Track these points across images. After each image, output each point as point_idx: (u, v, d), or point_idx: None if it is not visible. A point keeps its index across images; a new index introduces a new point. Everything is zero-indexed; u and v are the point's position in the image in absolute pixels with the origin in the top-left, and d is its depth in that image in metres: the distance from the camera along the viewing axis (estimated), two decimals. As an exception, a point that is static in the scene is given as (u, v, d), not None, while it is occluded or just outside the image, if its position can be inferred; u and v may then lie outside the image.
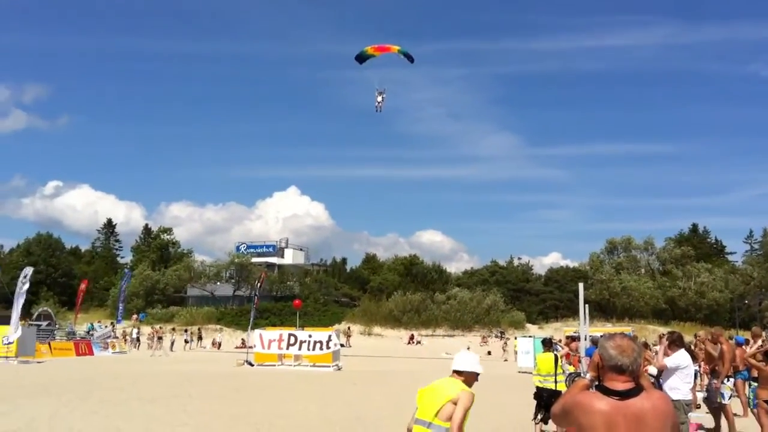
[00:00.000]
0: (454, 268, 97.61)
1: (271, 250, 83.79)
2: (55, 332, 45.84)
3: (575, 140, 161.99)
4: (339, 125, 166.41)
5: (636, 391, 3.67)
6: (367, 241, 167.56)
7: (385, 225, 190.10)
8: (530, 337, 37.29)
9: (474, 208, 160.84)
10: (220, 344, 55.09)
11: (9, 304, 39.67)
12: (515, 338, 46.37)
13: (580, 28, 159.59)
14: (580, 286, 12.80)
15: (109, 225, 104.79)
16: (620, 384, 3.68)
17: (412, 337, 62.48)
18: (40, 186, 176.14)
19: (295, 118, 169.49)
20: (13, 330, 32.22)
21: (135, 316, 63.46)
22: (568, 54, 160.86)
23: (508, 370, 31.93)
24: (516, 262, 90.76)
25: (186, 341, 53.90)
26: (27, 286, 33.13)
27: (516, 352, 37.20)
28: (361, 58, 29.91)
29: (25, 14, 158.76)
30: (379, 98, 30.10)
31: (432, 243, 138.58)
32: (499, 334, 62.92)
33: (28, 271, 34.12)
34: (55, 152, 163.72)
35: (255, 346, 33.29)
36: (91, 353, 41.82)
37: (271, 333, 33.42)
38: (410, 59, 29.80)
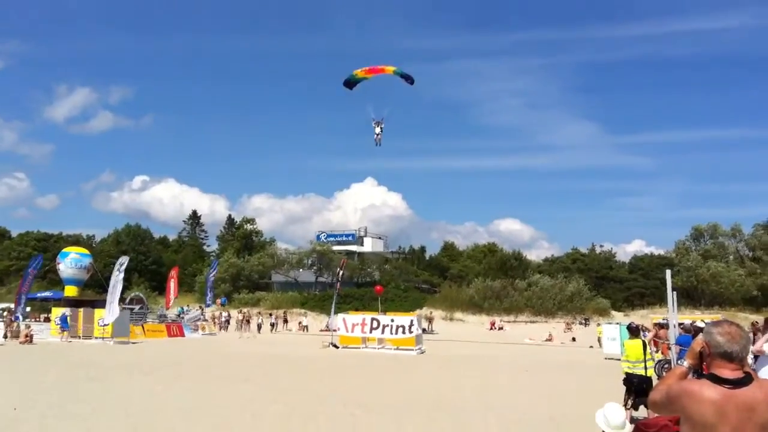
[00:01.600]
0: (534, 256, 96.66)
1: (350, 238, 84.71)
2: (147, 315, 47.58)
3: (657, 127, 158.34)
4: (414, 117, 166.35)
5: (747, 379, 3.52)
6: (445, 229, 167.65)
7: (463, 214, 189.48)
8: (616, 324, 36.69)
9: (553, 196, 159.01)
10: (306, 327, 56.17)
11: (103, 289, 41.47)
12: (598, 325, 45.71)
13: (662, 12, 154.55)
14: (668, 272, 12.59)
15: (195, 216, 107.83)
16: (729, 372, 3.53)
17: (493, 323, 62.28)
18: (127, 181, 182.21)
19: (386, 99, 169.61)
20: (109, 313, 33.72)
21: (218, 301, 65.30)
22: (649, 39, 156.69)
23: (595, 357, 31.58)
24: (598, 250, 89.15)
25: (272, 324, 55.19)
26: (122, 274, 34.57)
27: (600, 339, 36.69)
28: (350, 83, 29.31)
29: (108, 19, 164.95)
30: (378, 129, 29.47)
31: (511, 231, 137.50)
32: (583, 321, 62.09)
33: (124, 260, 35.59)
34: (141, 149, 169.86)
35: (339, 329, 33.88)
36: (182, 335, 43.33)
37: (354, 317, 33.94)
38: (409, 80, 28.90)
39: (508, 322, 63.56)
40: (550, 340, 45.61)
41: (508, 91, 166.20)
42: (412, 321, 32.49)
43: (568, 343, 44.65)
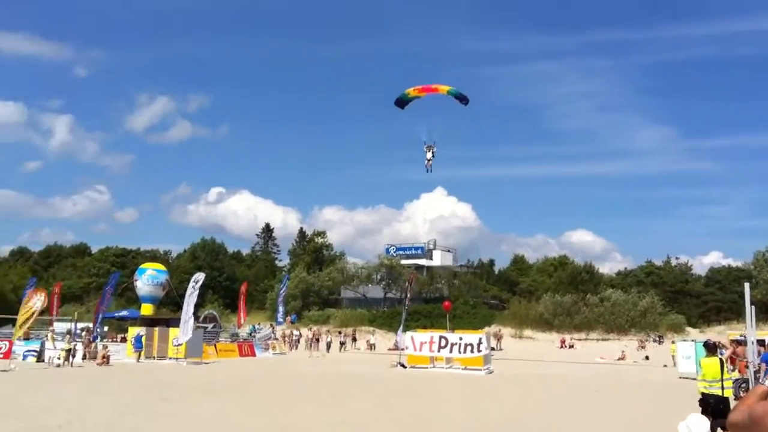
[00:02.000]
0: (606, 269, 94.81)
1: (419, 251, 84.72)
2: (220, 334, 48.51)
3: (734, 131, 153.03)
4: (485, 123, 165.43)
5: None
6: (514, 242, 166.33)
7: (534, 225, 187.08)
8: (691, 341, 35.74)
9: (626, 205, 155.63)
10: (373, 345, 56.40)
11: (177, 306, 42.48)
12: (673, 342, 44.57)
13: (732, 11, 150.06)
14: (746, 286, 12.24)
15: (267, 229, 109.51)
16: None
17: (564, 341, 61.39)
18: (204, 193, 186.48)
19: (440, 118, 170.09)
20: (182, 332, 34.46)
21: (288, 318, 66.09)
22: (722, 39, 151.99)
23: (669, 376, 30.85)
24: (674, 262, 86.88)
25: (341, 343, 55.60)
26: (197, 292, 35.31)
27: (674, 357, 35.79)
28: (402, 101, 28.95)
29: (185, 27, 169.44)
30: (429, 154, 28.93)
31: (582, 243, 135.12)
32: (657, 339, 60.64)
33: (200, 277, 36.27)
34: (218, 159, 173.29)
35: (407, 348, 33.92)
36: (254, 354, 44.04)
37: (422, 335, 33.94)
38: (463, 101, 28.34)
39: (579, 339, 62.56)
40: (622, 358, 44.69)
41: (578, 93, 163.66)
42: (480, 339, 32.33)
43: (641, 361, 43.72)
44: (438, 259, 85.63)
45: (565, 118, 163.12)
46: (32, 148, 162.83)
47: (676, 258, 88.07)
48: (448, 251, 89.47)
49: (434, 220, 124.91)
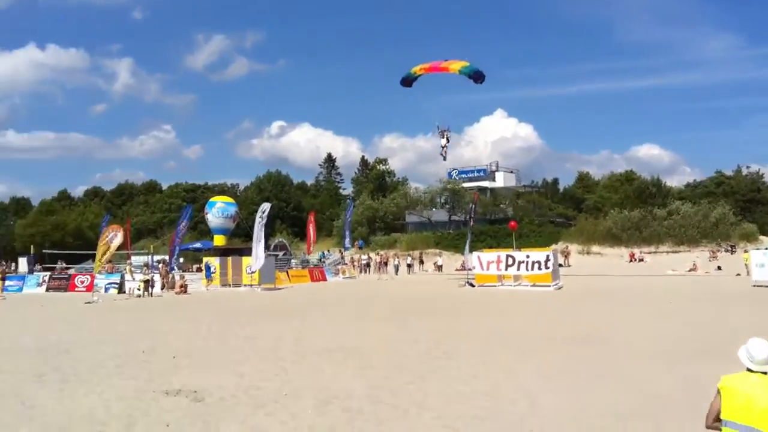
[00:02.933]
0: (674, 182, 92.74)
1: (482, 174, 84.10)
2: (291, 261, 49.59)
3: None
4: (545, 40, 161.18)
5: None
6: (578, 159, 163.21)
7: (598, 142, 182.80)
8: (765, 249, 35.04)
9: (693, 116, 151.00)
10: (441, 267, 56.90)
11: (248, 237, 43.53)
12: (745, 251, 43.76)
13: None
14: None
15: (329, 159, 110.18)
16: None
17: (633, 255, 60.76)
18: (266, 127, 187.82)
19: (497, 37, 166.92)
20: (255, 261, 35.44)
21: (356, 244, 66.99)
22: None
23: (742, 285, 30.48)
24: (744, 171, 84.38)
25: (408, 265, 56.26)
26: (265, 221, 36.09)
27: (747, 266, 35.25)
28: (408, 80, 27.23)
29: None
30: (443, 141, 27.42)
31: (649, 157, 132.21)
32: (729, 248, 59.49)
33: (266, 206, 37.04)
34: (277, 94, 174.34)
35: (475, 267, 34.18)
36: (324, 279, 45.05)
37: (489, 255, 34.10)
38: (478, 80, 26.55)
39: (649, 253, 61.77)
40: (694, 269, 44.12)
41: (642, 5, 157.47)
42: (548, 256, 32.31)
43: (713, 272, 43.13)
44: (501, 181, 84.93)
45: (628, 31, 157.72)
46: (97, 92, 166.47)
47: (747, 167, 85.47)
48: (511, 172, 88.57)
49: (496, 143, 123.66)
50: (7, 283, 37.77)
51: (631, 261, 58.63)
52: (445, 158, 28.05)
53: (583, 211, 78.96)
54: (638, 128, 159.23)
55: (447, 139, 28.57)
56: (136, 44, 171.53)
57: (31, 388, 9.72)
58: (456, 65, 27.38)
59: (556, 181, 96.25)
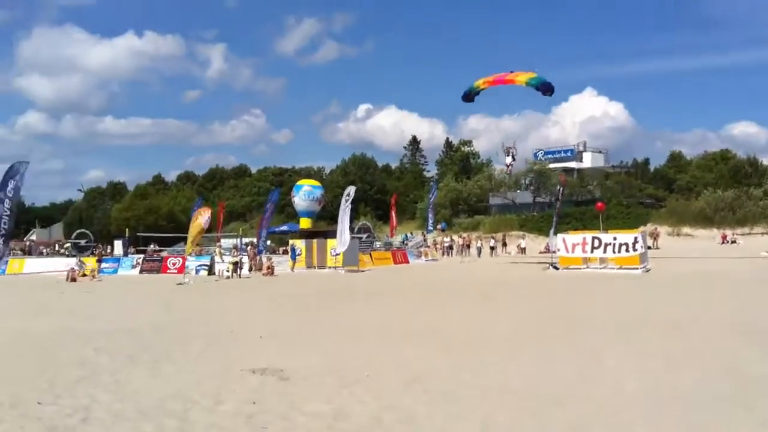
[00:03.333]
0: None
1: (568, 154, 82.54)
2: (374, 243, 49.98)
3: None
4: (635, 15, 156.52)
5: None
6: (670, 138, 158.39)
7: (691, 120, 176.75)
8: None
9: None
10: (524, 249, 56.32)
11: (333, 219, 44.08)
12: None
13: None
14: None
15: (414, 141, 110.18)
16: None
17: (725, 237, 58.64)
18: (352, 110, 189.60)
19: (587, 13, 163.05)
20: (339, 243, 35.91)
21: (438, 226, 66.92)
22: None
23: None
24: None
25: (491, 248, 55.88)
26: (350, 204, 36.49)
27: None
28: (470, 95, 25.99)
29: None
30: (509, 159, 26.32)
31: (746, 135, 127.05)
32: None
33: (351, 189, 37.48)
34: (364, 77, 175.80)
35: (559, 250, 33.68)
36: (407, 261, 45.26)
37: (574, 237, 33.49)
38: (547, 92, 25.26)
39: (742, 234, 59.49)
40: (790, 252, 42.24)
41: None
42: (636, 238, 31.53)
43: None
44: (588, 161, 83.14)
45: (722, 4, 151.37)
46: (192, 79, 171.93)
47: None
48: (599, 152, 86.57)
49: (584, 123, 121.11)
50: (103, 265, 39.37)
51: (723, 243, 56.61)
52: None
53: (674, 192, 76.53)
54: (734, 105, 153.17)
55: (513, 157, 28.02)
56: (229, 30, 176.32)
57: (124, 367, 10.14)
58: (522, 77, 26.58)
59: (646, 161, 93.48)
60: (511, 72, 27.29)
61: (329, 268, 37.30)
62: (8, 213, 25.12)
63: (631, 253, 30.86)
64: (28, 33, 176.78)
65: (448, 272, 34.39)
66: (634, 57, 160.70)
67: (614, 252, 31.24)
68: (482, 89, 26.87)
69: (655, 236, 55.37)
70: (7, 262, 28.26)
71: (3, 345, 12.23)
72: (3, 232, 25.10)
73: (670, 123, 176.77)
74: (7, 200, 25.08)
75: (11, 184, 25.17)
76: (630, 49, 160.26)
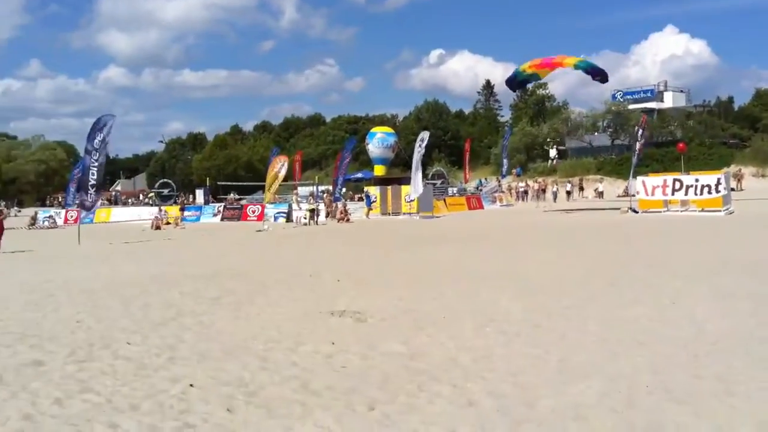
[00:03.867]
0: None
1: (649, 95, 79.99)
2: (449, 189, 49.89)
3: None
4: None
5: None
6: (757, 75, 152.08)
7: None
8: None
9: None
10: (602, 193, 55.32)
11: (407, 166, 44.12)
12: None
13: None
14: None
15: (488, 86, 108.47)
16: None
17: (817, 177, 56.36)
18: (424, 56, 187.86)
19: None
20: (413, 189, 35.95)
21: (513, 171, 66.19)
22: None
23: None
24: None
25: (568, 192, 55.07)
26: (423, 150, 36.36)
27: None
28: (517, 82, 24.61)
29: None
30: (553, 152, 25.06)
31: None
32: None
33: (425, 135, 37.31)
34: (436, 22, 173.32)
35: (639, 193, 32.97)
36: (482, 207, 45.11)
37: (654, 179, 32.72)
38: (596, 75, 23.91)
39: (836, 174, 57.01)
40: None
41: None
42: (719, 179, 30.62)
43: None
44: (669, 101, 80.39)
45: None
46: (265, 29, 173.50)
47: None
48: (681, 92, 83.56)
49: (665, 61, 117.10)
50: (186, 213, 40.56)
51: (813, 184, 54.40)
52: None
53: (759, 131, 73.46)
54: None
55: (558, 151, 27.42)
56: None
57: (209, 308, 10.50)
58: (570, 60, 25.88)
59: (730, 100, 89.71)
60: (558, 55, 26.72)
61: (404, 214, 37.48)
62: (96, 164, 25.97)
63: (714, 195, 30.05)
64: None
65: (524, 217, 34.11)
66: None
67: (696, 194, 30.47)
68: (529, 74, 26.24)
69: (739, 178, 53.62)
70: (95, 211, 29.33)
71: (94, 290, 12.80)
72: (93, 182, 25.99)
73: (756, 60, 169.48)
74: (95, 152, 25.91)
75: (99, 137, 25.97)
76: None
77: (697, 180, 30.91)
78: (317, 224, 33.76)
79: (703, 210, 29.96)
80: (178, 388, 6.33)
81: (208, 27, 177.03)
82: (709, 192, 30.19)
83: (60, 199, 60.19)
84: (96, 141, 25.92)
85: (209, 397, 6.03)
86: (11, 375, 6.88)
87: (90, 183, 26.02)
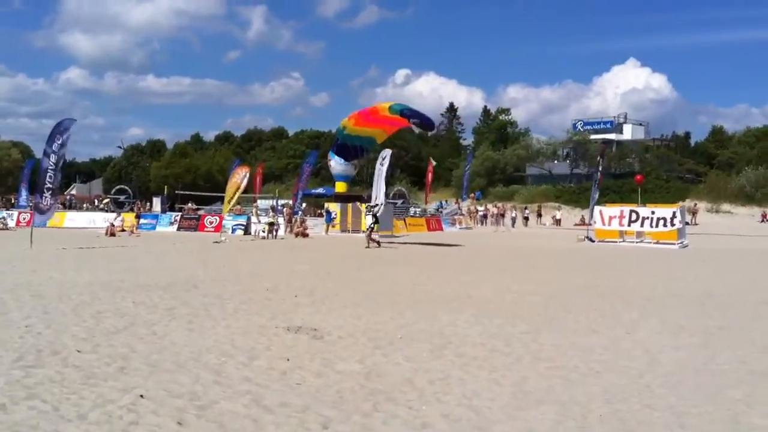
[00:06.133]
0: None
1: (608, 126, 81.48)
2: (409, 209, 50.02)
3: None
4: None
5: None
6: (714, 113, 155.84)
7: (735, 94, 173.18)
8: None
9: None
10: (559, 221, 55.94)
11: (368, 184, 44.14)
12: None
13: None
14: None
15: (452, 109, 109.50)
16: None
17: (765, 215, 57.65)
18: (390, 75, 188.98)
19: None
20: (375, 197, 35.78)
21: (472, 195, 66.64)
22: None
23: None
24: None
25: (525, 218, 55.58)
26: (385, 168, 36.30)
27: None
28: (347, 147, 25.86)
29: None
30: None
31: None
32: None
33: (387, 153, 37.29)
34: (404, 42, 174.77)
35: (595, 222, 33.42)
36: (441, 229, 45.27)
37: (611, 209, 33.21)
38: (416, 119, 25.29)
39: (784, 213, 58.49)
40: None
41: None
42: (674, 213, 31.22)
43: None
44: (629, 133, 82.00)
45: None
46: (232, 39, 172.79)
47: None
48: (640, 125, 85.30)
49: (626, 94, 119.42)
50: (142, 221, 39.97)
51: (763, 221, 55.79)
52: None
53: (714, 168, 75.25)
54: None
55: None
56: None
57: (162, 319, 10.32)
58: (385, 105, 26.86)
59: (687, 135, 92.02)
60: (374, 106, 27.57)
61: (364, 232, 37.38)
62: (53, 168, 25.49)
63: (669, 228, 30.59)
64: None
65: (482, 241, 34.30)
66: (679, 28, 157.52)
67: (652, 226, 30.97)
68: (355, 136, 26.76)
69: (693, 212, 54.73)
70: (51, 215, 28.76)
71: (44, 295, 12.51)
72: (49, 186, 25.49)
73: (713, 97, 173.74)
74: (53, 155, 25.43)
75: (59, 140, 25.52)
76: (676, 20, 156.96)
77: (653, 212, 31.44)
78: (276, 238, 33.53)
79: (657, 242, 30.45)
80: (128, 398, 6.18)
81: (174, 33, 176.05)
82: (665, 225, 30.71)
83: (12, 201, 58.93)
84: (55, 144, 25.47)
85: (160, 409, 5.90)
86: (-46, 379, 6.66)
87: (46, 186, 25.52)
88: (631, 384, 7.15)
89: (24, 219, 40.97)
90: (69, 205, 53.99)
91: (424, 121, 27.56)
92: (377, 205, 32.10)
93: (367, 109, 26.83)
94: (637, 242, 31.25)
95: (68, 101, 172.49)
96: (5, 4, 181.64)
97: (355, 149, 26.99)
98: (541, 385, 7.04)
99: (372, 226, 28.90)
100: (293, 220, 38.50)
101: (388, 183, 51.03)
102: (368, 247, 27.40)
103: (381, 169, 35.96)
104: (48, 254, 22.06)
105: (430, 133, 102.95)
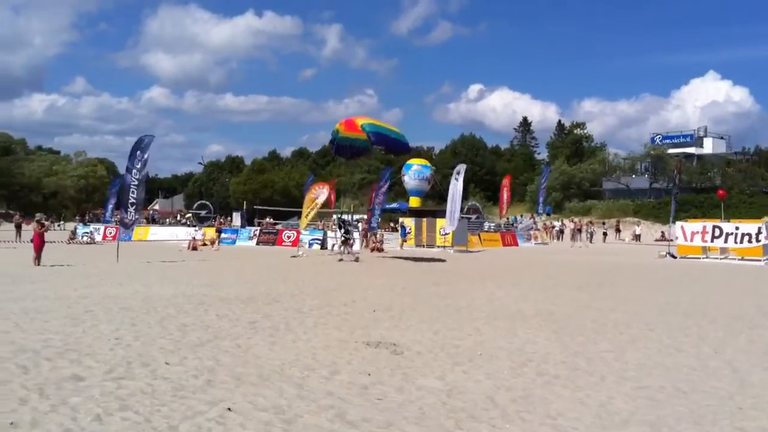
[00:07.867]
0: None
1: (688, 140, 79.40)
2: (483, 224, 49.65)
3: None
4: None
5: None
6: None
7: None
8: None
9: None
10: (639, 236, 54.71)
11: (442, 199, 44.06)
12: None
13: None
14: None
15: (525, 123, 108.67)
16: None
17: None
18: (464, 91, 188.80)
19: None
20: (449, 222, 35.80)
21: (543, 210, 65.67)
22: None
23: None
24: None
25: (604, 233, 54.55)
26: (461, 182, 36.14)
27: None
28: (343, 147, 25.86)
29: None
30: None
31: None
32: None
33: (462, 167, 37.10)
34: (477, 58, 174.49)
35: (677, 238, 32.59)
36: (516, 244, 44.77)
37: (694, 225, 32.38)
38: (382, 145, 25.61)
39: None
40: None
41: None
42: (759, 228, 30.17)
43: None
44: (709, 147, 79.70)
45: None
46: (307, 58, 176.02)
47: None
48: (721, 138, 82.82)
49: (705, 107, 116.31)
50: (222, 235, 40.83)
51: None
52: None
53: (801, 182, 72.40)
54: None
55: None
56: (346, 10, 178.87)
57: (245, 333, 10.54)
58: (360, 120, 26.74)
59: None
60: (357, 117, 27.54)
61: (438, 247, 37.38)
62: (136, 183, 26.35)
63: (754, 243, 29.61)
64: (154, 11, 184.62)
65: (559, 256, 33.81)
66: (759, 40, 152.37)
67: (736, 242, 30.02)
68: (349, 138, 27.03)
69: (780, 228, 52.61)
70: (134, 229, 29.72)
71: (131, 307, 12.93)
72: (133, 200, 26.35)
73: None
74: (135, 171, 26.30)
75: (140, 156, 26.39)
76: (755, 32, 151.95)
77: (737, 228, 30.50)
78: (351, 253, 33.77)
79: (743, 258, 29.51)
80: (215, 411, 6.35)
81: (252, 53, 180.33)
82: (750, 241, 29.74)
83: (99, 215, 61.05)
84: (136, 160, 26.34)
85: (247, 423, 6.04)
86: (52, 388, 6.96)
87: (130, 201, 26.39)
88: (720, 405, 6.96)
89: (110, 233, 42.37)
90: (152, 220, 55.60)
91: (394, 148, 28.07)
92: (346, 220, 33.45)
93: (351, 119, 27.59)
94: (721, 258, 30.33)
95: (151, 120, 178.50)
96: (91, 27, 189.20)
97: (353, 149, 27.69)
98: (626, 405, 6.91)
99: (344, 238, 29.87)
100: (368, 235, 38.69)
101: (463, 198, 50.90)
102: (341, 260, 28.34)
103: (456, 184, 35.83)
104: (134, 268, 22.76)
105: (503, 147, 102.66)
